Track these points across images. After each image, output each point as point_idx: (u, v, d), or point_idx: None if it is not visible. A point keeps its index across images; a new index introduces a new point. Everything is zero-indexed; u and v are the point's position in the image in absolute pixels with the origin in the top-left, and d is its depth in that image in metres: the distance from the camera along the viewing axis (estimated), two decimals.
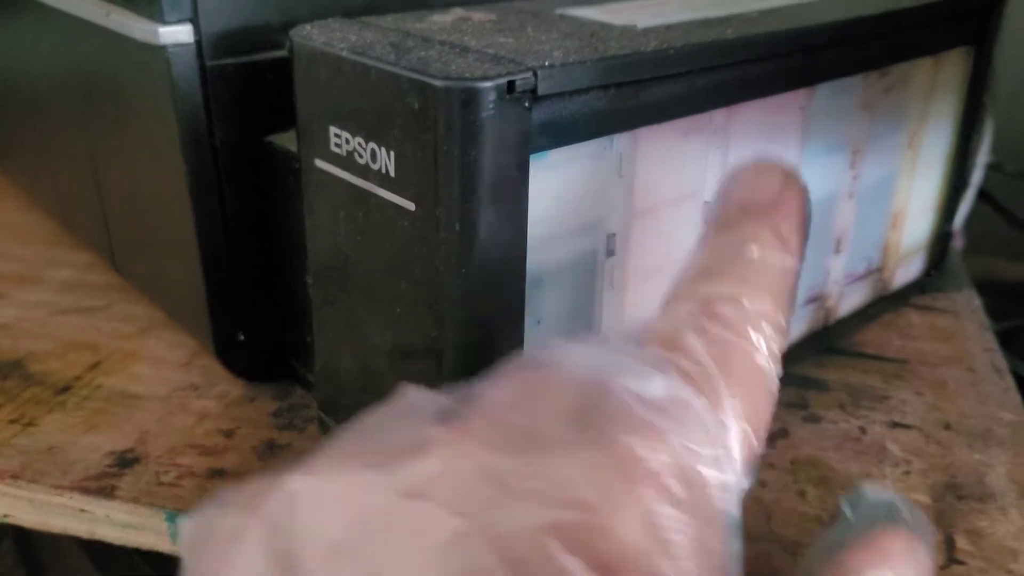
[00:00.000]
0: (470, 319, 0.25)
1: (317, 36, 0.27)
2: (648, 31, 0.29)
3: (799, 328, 0.39)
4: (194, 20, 0.30)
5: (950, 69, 0.41)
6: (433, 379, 0.26)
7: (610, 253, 0.29)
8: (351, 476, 0.17)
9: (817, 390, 0.38)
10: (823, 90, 0.34)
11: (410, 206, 0.25)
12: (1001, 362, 0.41)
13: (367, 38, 0.27)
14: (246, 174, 0.33)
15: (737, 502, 0.19)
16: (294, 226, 0.32)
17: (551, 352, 0.20)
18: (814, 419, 0.36)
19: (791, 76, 0.32)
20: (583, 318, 0.29)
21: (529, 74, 0.24)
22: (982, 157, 0.52)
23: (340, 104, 0.26)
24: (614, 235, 0.29)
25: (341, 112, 0.26)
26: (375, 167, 0.25)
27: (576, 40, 0.27)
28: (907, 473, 0.34)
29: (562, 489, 0.16)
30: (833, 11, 0.34)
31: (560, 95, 0.25)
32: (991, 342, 0.42)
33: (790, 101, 0.33)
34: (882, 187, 0.41)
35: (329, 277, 0.29)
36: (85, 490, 0.32)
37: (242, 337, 0.36)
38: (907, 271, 0.45)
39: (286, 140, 0.32)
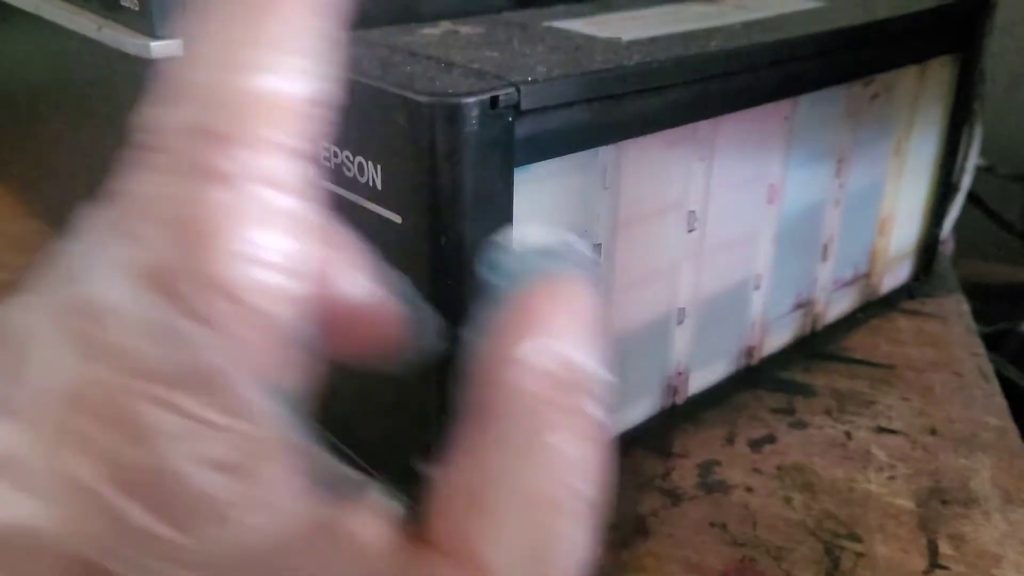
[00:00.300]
0: (456, 331, 0.26)
1: None
2: (632, 44, 0.29)
3: (787, 334, 0.40)
4: None
5: (936, 76, 0.41)
6: (422, 390, 0.27)
7: None
8: None
9: (804, 396, 0.39)
10: (807, 100, 0.35)
11: (396, 219, 0.25)
12: (987, 367, 0.41)
13: (355, 53, 0.27)
14: None
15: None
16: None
17: None
18: (801, 425, 0.37)
19: (775, 87, 0.33)
20: None
21: (512, 89, 0.24)
22: (972, 161, 0.52)
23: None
24: (599, 245, 0.30)
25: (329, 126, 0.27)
26: (362, 180, 0.26)
27: (561, 54, 0.28)
28: (892, 478, 0.34)
29: None
30: (816, 23, 0.34)
31: (544, 109, 0.25)
32: (978, 347, 0.43)
33: (774, 111, 0.34)
34: (869, 194, 0.41)
35: None
36: None
37: None
38: (895, 276, 0.45)
39: None
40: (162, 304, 0.16)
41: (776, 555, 0.30)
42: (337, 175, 0.27)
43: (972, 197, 0.55)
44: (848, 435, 0.36)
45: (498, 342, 0.19)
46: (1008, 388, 0.40)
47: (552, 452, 0.18)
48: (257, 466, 0.16)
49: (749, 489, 0.33)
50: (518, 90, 0.24)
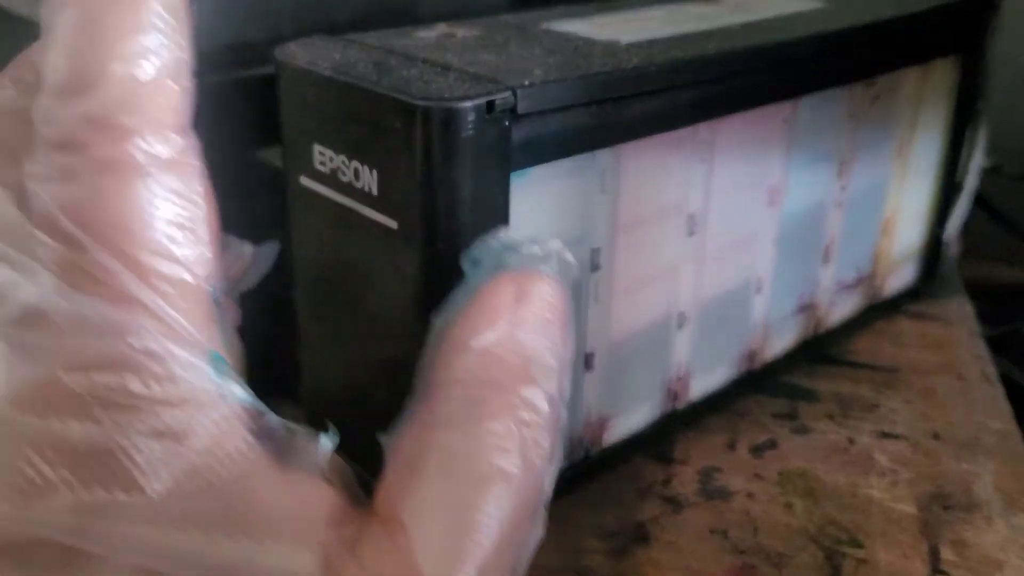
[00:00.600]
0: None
1: (301, 54, 0.27)
2: (631, 47, 0.29)
3: (789, 337, 0.39)
4: None
5: (939, 77, 0.41)
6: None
7: (594, 267, 0.29)
8: None
9: (807, 400, 0.38)
10: (808, 102, 0.34)
11: (392, 224, 0.25)
12: (991, 370, 0.41)
13: (350, 56, 0.27)
14: (233, 190, 0.33)
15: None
16: (281, 242, 0.32)
17: None
18: (803, 430, 0.37)
19: (775, 89, 0.33)
20: None
21: (508, 93, 0.24)
22: (976, 162, 0.52)
23: (323, 122, 0.26)
24: (598, 249, 0.29)
25: (325, 130, 0.26)
26: (358, 185, 0.26)
27: (559, 57, 0.28)
28: (894, 484, 0.34)
29: None
30: (817, 23, 0.34)
31: (541, 113, 0.25)
32: (982, 349, 0.42)
33: (774, 113, 0.33)
34: (871, 196, 0.41)
35: (315, 293, 0.30)
36: None
37: None
38: (899, 278, 0.45)
39: (274, 156, 0.32)
40: (87, 297, 0.17)
41: (777, 562, 0.30)
42: (333, 180, 0.26)
43: (978, 198, 0.55)
44: (851, 440, 0.36)
45: (457, 328, 0.20)
46: (1013, 391, 0.40)
47: (486, 434, 0.19)
48: (195, 428, 0.17)
49: (750, 495, 0.33)
50: (515, 94, 0.24)
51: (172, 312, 0.18)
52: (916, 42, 0.38)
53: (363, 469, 0.28)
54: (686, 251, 0.32)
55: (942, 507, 0.33)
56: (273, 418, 0.19)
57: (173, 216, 0.18)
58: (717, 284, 0.34)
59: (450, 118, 0.23)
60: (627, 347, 0.32)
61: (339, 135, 0.26)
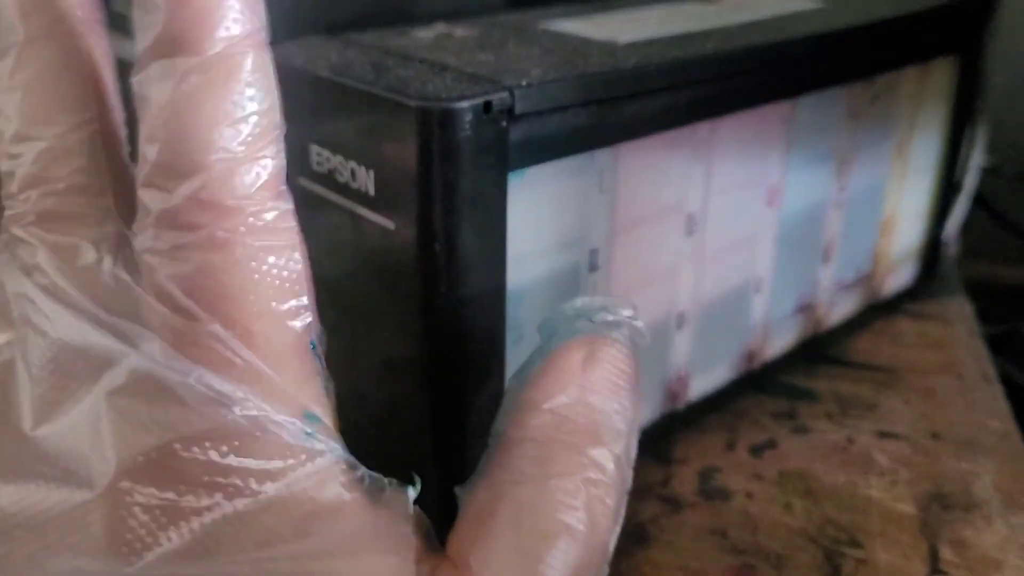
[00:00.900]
0: (451, 337, 0.25)
1: (298, 55, 0.27)
2: (629, 47, 0.29)
3: (789, 337, 0.39)
4: None
5: (938, 77, 0.41)
6: (417, 396, 0.26)
7: (593, 268, 0.29)
8: None
9: (806, 400, 0.38)
10: (807, 101, 0.34)
11: (390, 225, 0.25)
12: (990, 369, 0.41)
13: (347, 57, 0.27)
14: None
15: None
16: None
17: None
18: (802, 430, 0.37)
19: (773, 89, 0.32)
20: None
21: (506, 93, 0.24)
22: (975, 161, 0.52)
23: (321, 123, 0.26)
24: (597, 250, 0.29)
25: (322, 131, 0.26)
26: (355, 186, 0.26)
27: (556, 56, 0.28)
28: (893, 483, 0.34)
29: None
30: (816, 23, 0.34)
31: (539, 113, 0.25)
32: (981, 349, 0.42)
33: (774, 113, 0.33)
34: (871, 195, 0.41)
35: (314, 295, 0.30)
36: None
37: None
38: (898, 278, 0.45)
39: None
40: (193, 366, 0.18)
41: (776, 563, 0.30)
42: (329, 180, 0.26)
43: (977, 198, 0.55)
44: (850, 440, 0.36)
45: (531, 390, 0.21)
46: (1012, 391, 0.40)
47: (555, 490, 0.20)
48: (291, 486, 0.18)
49: (749, 495, 0.33)
50: (512, 94, 0.24)
51: (273, 375, 0.19)
52: (915, 42, 0.38)
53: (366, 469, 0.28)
54: (685, 251, 0.32)
55: (941, 507, 0.33)
56: (363, 469, 0.20)
57: (276, 277, 0.19)
58: (716, 284, 0.34)
59: (447, 118, 0.23)
60: None
61: (336, 136, 0.26)
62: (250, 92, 0.18)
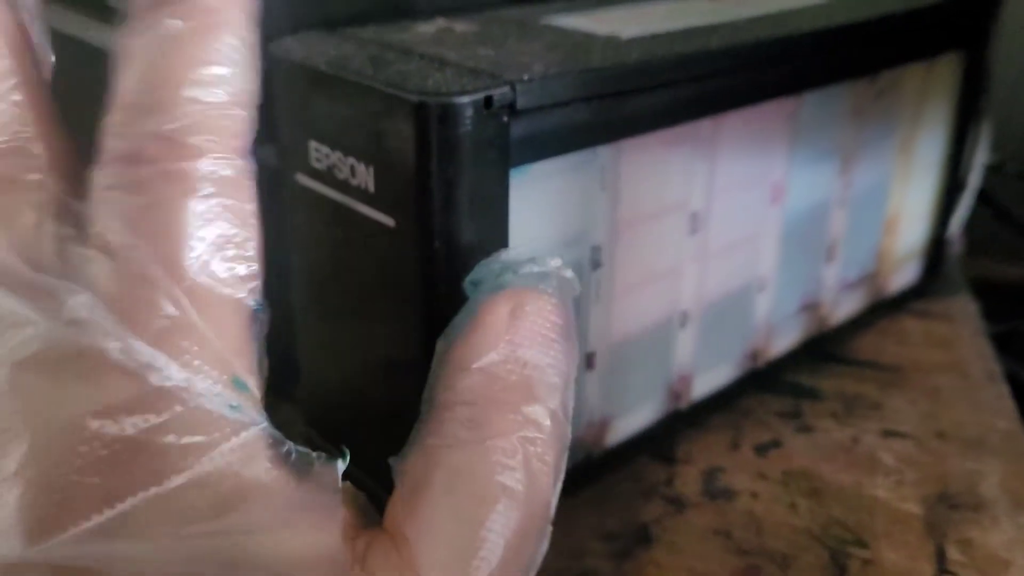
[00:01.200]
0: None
1: (297, 50, 0.27)
2: (632, 41, 0.29)
3: (793, 336, 0.39)
4: None
5: (942, 73, 0.41)
6: (416, 394, 0.26)
7: (595, 265, 0.29)
8: None
9: (811, 399, 0.38)
10: (811, 98, 0.34)
11: (390, 222, 0.25)
12: (996, 368, 0.40)
13: (346, 51, 0.27)
14: None
15: None
16: (277, 240, 0.32)
17: None
18: (807, 429, 0.36)
19: (778, 85, 0.32)
20: None
21: (507, 88, 0.24)
22: (980, 159, 0.51)
23: (320, 119, 0.26)
24: (599, 247, 0.29)
25: (321, 127, 0.26)
26: (355, 182, 0.25)
27: (559, 51, 0.27)
28: (899, 483, 0.33)
29: None
30: (821, 18, 0.33)
31: (540, 108, 0.25)
32: (986, 348, 0.42)
33: (777, 109, 0.33)
34: (875, 193, 0.40)
35: (313, 292, 0.29)
36: None
37: None
38: (902, 276, 0.45)
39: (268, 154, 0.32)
40: (110, 325, 0.17)
41: (782, 563, 0.30)
42: (329, 177, 0.26)
43: (981, 195, 0.54)
44: (855, 439, 0.36)
45: (458, 350, 0.20)
46: (1018, 389, 0.40)
47: (490, 452, 0.19)
48: (213, 458, 0.18)
49: (754, 495, 0.33)
50: (513, 89, 0.24)
51: (208, 332, 0.18)
52: (920, 38, 0.38)
53: (362, 470, 0.28)
54: (688, 249, 0.32)
55: (948, 506, 0.32)
56: (289, 444, 0.19)
57: (225, 232, 0.19)
58: (720, 283, 0.34)
59: (447, 113, 0.23)
60: (629, 346, 0.31)
61: (335, 131, 0.26)
62: (229, 44, 0.19)
